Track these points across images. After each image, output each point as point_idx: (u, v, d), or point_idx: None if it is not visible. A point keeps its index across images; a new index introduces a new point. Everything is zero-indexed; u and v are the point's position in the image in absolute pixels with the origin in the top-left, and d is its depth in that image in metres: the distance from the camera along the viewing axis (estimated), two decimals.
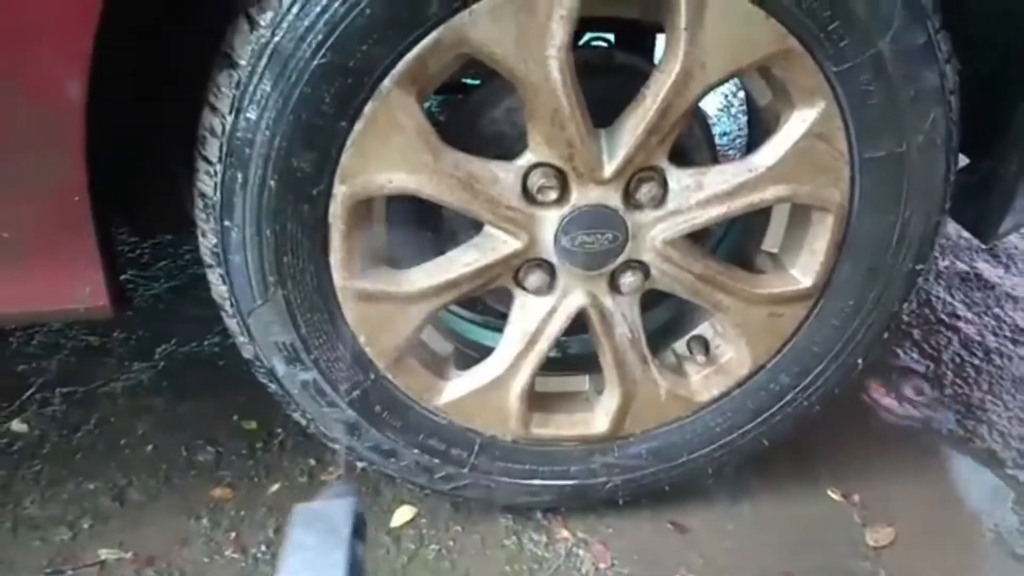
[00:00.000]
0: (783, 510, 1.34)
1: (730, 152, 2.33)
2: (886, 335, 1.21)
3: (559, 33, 0.92)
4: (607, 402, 1.22)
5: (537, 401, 1.22)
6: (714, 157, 1.19)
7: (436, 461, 1.21)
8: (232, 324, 1.08)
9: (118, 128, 1.05)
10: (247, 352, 1.10)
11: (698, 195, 1.07)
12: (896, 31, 0.96)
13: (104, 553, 1.25)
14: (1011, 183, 1.17)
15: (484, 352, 1.20)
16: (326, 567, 0.36)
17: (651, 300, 1.22)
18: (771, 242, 1.19)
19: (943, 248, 1.84)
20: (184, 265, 1.85)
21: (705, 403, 1.24)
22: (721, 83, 1.00)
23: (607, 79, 1.09)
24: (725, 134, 2.46)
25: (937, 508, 1.36)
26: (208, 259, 1.04)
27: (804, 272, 1.14)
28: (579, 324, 1.15)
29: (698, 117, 1.16)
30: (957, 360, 1.62)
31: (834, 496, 1.37)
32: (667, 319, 1.31)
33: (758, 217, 1.17)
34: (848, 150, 1.04)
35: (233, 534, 1.28)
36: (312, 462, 1.41)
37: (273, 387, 1.13)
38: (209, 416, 1.49)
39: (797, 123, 1.03)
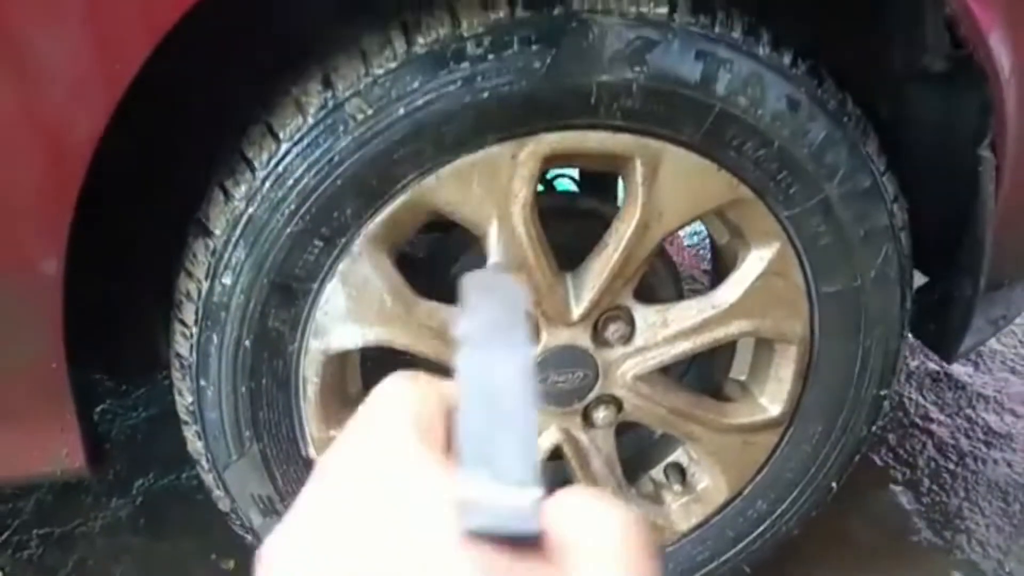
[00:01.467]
0: None
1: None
2: (858, 457, 1.22)
3: (521, 192, 0.96)
4: None
5: None
6: (680, 292, 1.23)
7: None
8: (208, 479, 1.08)
9: (94, 285, 1.08)
10: (223, 505, 1.10)
11: (665, 331, 1.10)
12: (841, 178, 1.01)
13: None
14: (968, 304, 1.21)
15: None
16: (509, 333, 0.31)
17: (626, 426, 1.23)
18: (739, 370, 1.22)
19: (913, 348, 1.87)
20: (162, 392, 1.84)
21: (685, 532, 1.24)
22: (679, 229, 1.05)
23: (572, 224, 1.14)
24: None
25: None
26: (184, 417, 1.05)
27: (772, 400, 1.17)
28: (557, 452, 1.16)
29: (662, 255, 1.21)
30: (932, 466, 1.63)
31: None
32: (643, 445, 1.33)
33: (725, 346, 1.20)
34: (805, 285, 1.08)
35: None
36: None
37: (250, 538, 1.13)
38: (187, 555, 1.47)
39: (755, 262, 1.07)
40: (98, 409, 1.79)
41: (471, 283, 0.33)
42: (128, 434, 1.75)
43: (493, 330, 0.30)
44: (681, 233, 2.50)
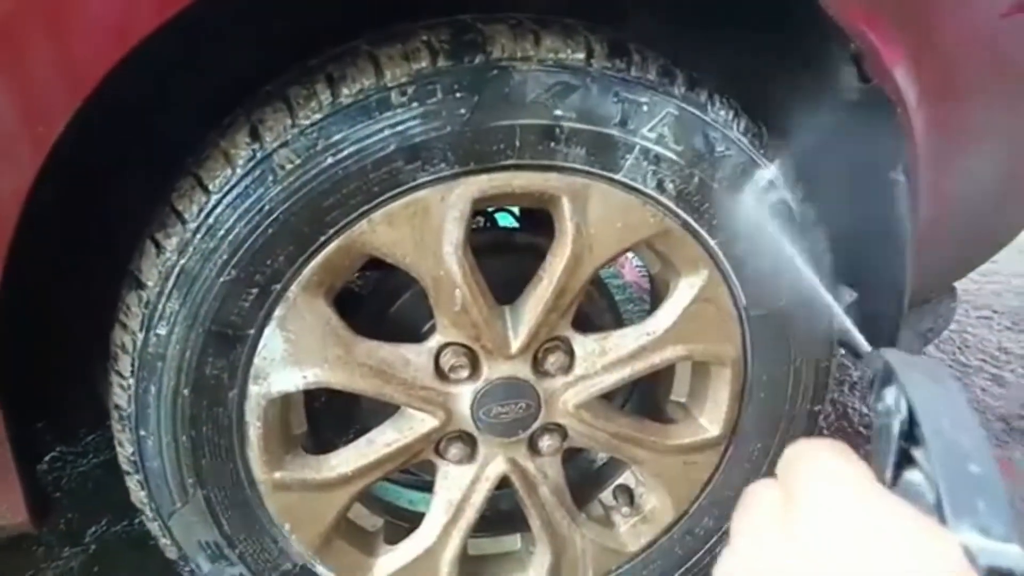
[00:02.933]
0: None
1: None
2: None
3: (454, 232, 0.98)
4: (540, 561, 1.23)
5: (470, 566, 1.23)
6: (618, 319, 1.26)
7: None
8: (154, 527, 1.08)
9: (27, 345, 1.07)
10: (171, 553, 1.10)
11: (603, 359, 1.12)
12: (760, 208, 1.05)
13: None
14: (894, 320, 1.25)
15: (416, 519, 1.21)
16: (956, 404, 0.36)
17: (574, 451, 1.25)
18: (679, 392, 1.25)
19: (854, 359, 1.92)
20: (112, 437, 1.82)
21: (635, 553, 1.26)
22: (610, 261, 1.08)
23: (509, 258, 1.16)
24: None
25: None
26: (126, 467, 1.05)
27: (711, 421, 1.20)
28: (506, 482, 1.18)
29: (598, 284, 1.24)
30: None
31: None
32: (591, 469, 1.35)
33: (665, 369, 1.22)
34: (735, 309, 1.11)
35: None
36: None
37: None
38: None
39: (685, 289, 1.10)
40: (48, 456, 1.77)
41: (894, 358, 0.37)
42: (79, 481, 1.73)
43: (946, 404, 0.34)
44: (635, 260, 2.54)
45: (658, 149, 0.98)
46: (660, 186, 1.00)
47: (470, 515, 1.17)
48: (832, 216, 1.13)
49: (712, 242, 1.05)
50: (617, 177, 0.99)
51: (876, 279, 1.25)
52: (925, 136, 1.06)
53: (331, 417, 1.28)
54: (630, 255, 2.58)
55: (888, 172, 1.09)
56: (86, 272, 1.07)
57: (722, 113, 1.00)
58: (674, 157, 0.98)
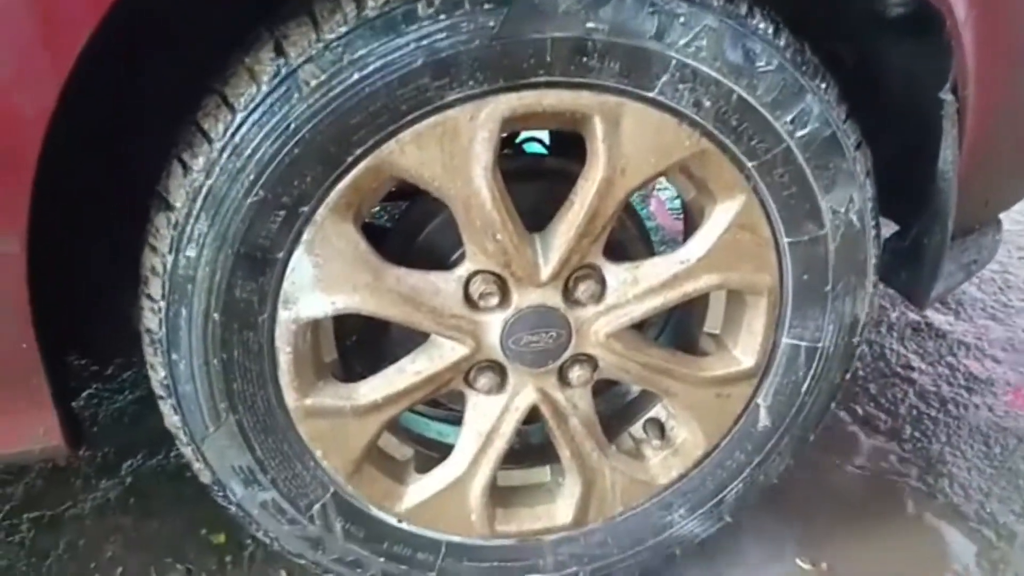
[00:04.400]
0: None
1: None
2: (833, 404, 1.23)
3: (483, 154, 0.96)
4: (569, 492, 1.23)
5: (500, 497, 1.23)
6: (650, 249, 1.23)
7: (403, 567, 1.22)
8: (187, 452, 1.09)
9: (62, 263, 1.08)
10: (204, 478, 1.11)
11: (635, 288, 1.10)
12: (802, 126, 1.01)
13: None
14: (938, 250, 1.21)
15: (445, 450, 1.21)
16: None
17: (604, 384, 1.24)
18: (712, 323, 1.23)
19: (893, 299, 1.88)
20: (147, 375, 1.85)
21: (665, 485, 1.25)
22: (643, 186, 1.05)
23: (539, 185, 1.13)
24: None
25: (906, 569, 1.37)
26: (159, 391, 1.05)
27: (745, 352, 1.17)
28: (536, 413, 1.17)
29: (630, 212, 1.21)
30: (915, 413, 1.65)
31: (803, 565, 1.38)
32: (621, 402, 1.34)
33: (698, 300, 1.20)
34: (772, 237, 1.08)
35: None
36: (283, 573, 1.40)
37: (233, 509, 1.14)
38: (178, 532, 1.49)
39: (720, 215, 1.07)
40: (84, 393, 1.81)
41: None
42: (115, 417, 1.77)
43: None
44: (663, 196, 2.50)
45: (695, 64, 0.94)
46: (697, 105, 0.96)
47: (500, 445, 1.17)
48: (875, 139, 1.09)
49: (749, 165, 1.02)
50: (652, 95, 0.96)
51: (919, 206, 1.22)
52: (974, 52, 1.01)
53: (361, 353, 1.28)
54: (663, 196, 2.54)
55: (935, 91, 1.05)
56: (115, 198, 1.06)
57: (763, 26, 0.96)
58: (712, 73, 0.95)
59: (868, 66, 1.16)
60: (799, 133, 1.01)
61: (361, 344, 1.27)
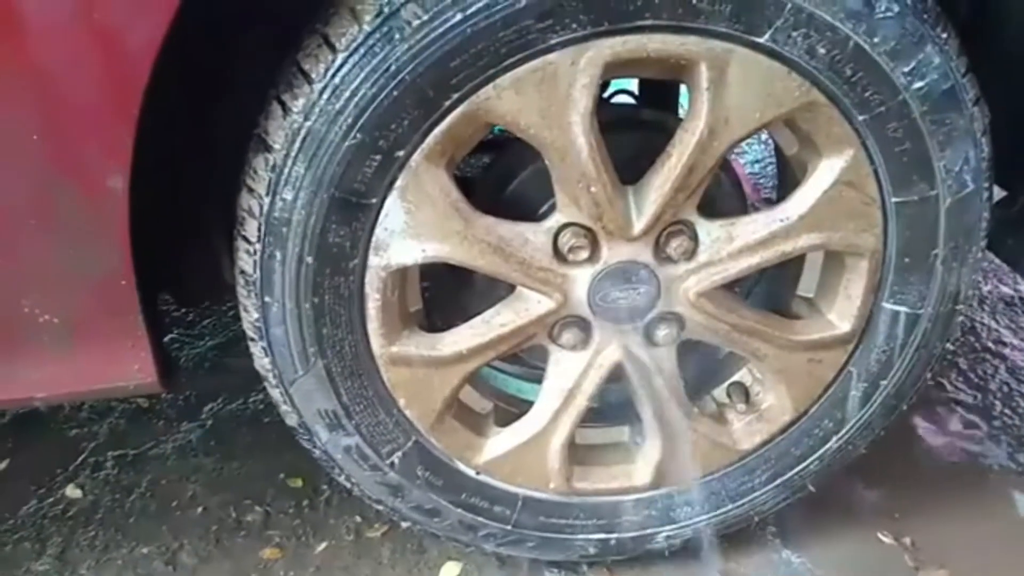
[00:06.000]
0: (833, 555, 1.32)
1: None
2: (929, 375, 1.19)
3: (582, 100, 0.93)
4: (648, 453, 1.21)
5: (578, 454, 1.22)
6: (744, 206, 1.19)
7: (479, 519, 1.22)
8: (275, 394, 1.10)
9: (160, 205, 1.09)
10: (290, 420, 1.12)
11: (729, 246, 1.07)
12: (920, 78, 0.95)
13: None
14: None
15: (524, 406, 1.21)
16: None
17: (689, 346, 1.22)
18: (806, 287, 1.19)
19: (985, 272, 1.80)
20: (228, 323, 1.89)
21: (748, 451, 1.23)
22: (746, 138, 1.01)
23: (634, 135, 1.10)
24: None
25: (991, 548, 1.32)
26: (251, 333, 1.06)
27: (841, 317, 1.13)
28: (618, 373, 1.15)
29: (726, 166, 1.17)
30: (1005, 389, 1.58)
31: (885, 539, 1.34)
32: (705, 365, 1.31)
33: (792, 262, 1.16)
34: (879, 196, 1.04)
35: None
36: (358, 519, 1.42)
37: (317, 452, 1.15)
38: (256, 475, 1.52)
39: (826, 172, 1.03)
40: (167, 339, 1.85)
41: None
42: (196, 362, 1.81)
43: None
44: (741, 161, 2.43)
45: (812, 9, 0.89)
46: (810, 52, 0.92)
47: (581, 403, 1.15)
48: (987, 96, 1.03)
49: (861, 118, 0.97)
50: (762, 41, 0.91)
51: None
52: None
53: (444, 307, 1.28)
54: (741, 161, 2.48)
55: None
56: (215, 137, 1.07)
57: None
58: (829, 18, 0.90)
59: (984, 17, 1.09)
60: (916, 85, 0.96)
61: (442, 296, 1.26)
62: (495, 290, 1.14)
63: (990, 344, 1.68)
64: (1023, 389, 1.59)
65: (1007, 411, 1.55)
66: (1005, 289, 1.80)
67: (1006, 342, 1.68)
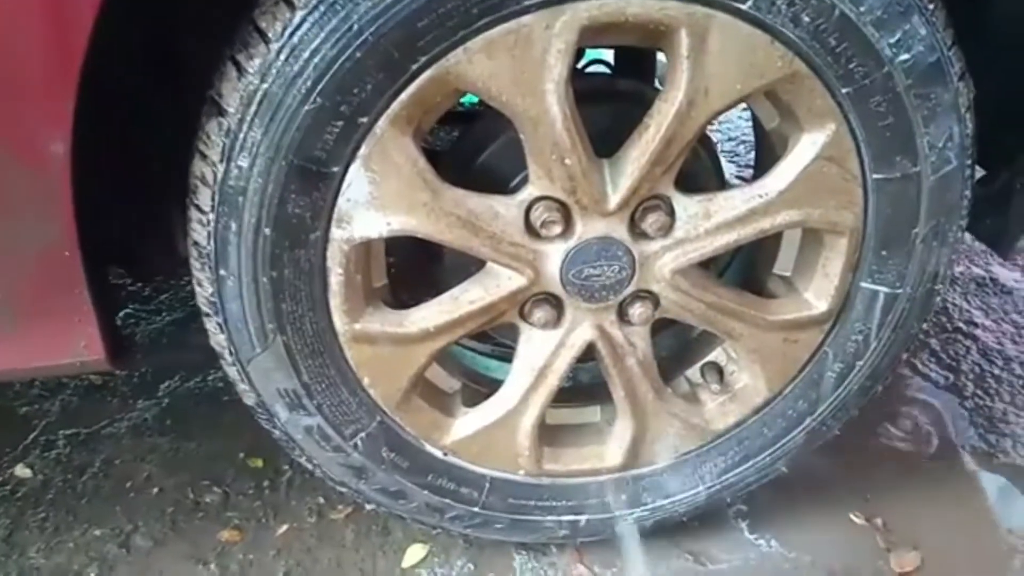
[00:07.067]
0: (805, 536, 1.31)
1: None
2: (904, 356, 1.17)
3: (557, 67, 0.89)
4: (620, 434, 1.19)
5: (548, 435, 1.19)
6: (722, 182, 1.16)
7: (446, 501, 1.18)
8: (232, 372, 1.05)
9: (108, 175, 1.03)
10: (248, 399, 1.07)
11: (706, 223, 1.04)
12: (906, 50, 0.92)
13: None
14: None
15: (493, 386, 1.17)
16: None
17: (662, 325, 1.19)
18: (783, 265, 1.16)
19: (958, 253, 1.80)
20: (185, 298, 1.82)
21: (721, 432, 1.20)
22: (727, 109, 0.97)
23: (609, 107, 1.06)
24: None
25: (963, 528, 1.32)
26: (205, 308, 1.01)
27: (818, 296, 1.11)
28: (590, 352, 1.12)
29: (704, 141, 1.13)
30: (977, 370, 1.58)
31: (857, 520, 1.33)
32: (679, 345, 1.28)
33: (769, 240, 1.13)
34: (861, 172, 1.01)
35: None
36: (321, 500, 1.38)
37: (276, 433, 1.10)
38: (215, 454, 1.47)
39: (807, 146, 1.00)
40: (122, 314, 1.78)
41: None
42: (153, 338, 1.74)
43: None
44: (715, 138, 2.40)
45: None
46: (795, 20, 0.88)
47: (552, 382, 1.12)
48: (975, 68, 1.00)
49: (844, 90, 0.94)
50: (745, 7, 0.88)
51: (1011, 149, 1.13)
52: None
53: (410, 283, 1.23)
54: (715, 138, 2.44)
55: None
56: (165, 103, 1.01)
57: None
58: None
59: None
60: (902, 57, 0.93)
61: (408, 271, 1.22)
62: (465, 266, 1.09)
63: (962, 325, 1.67)
64: (994, 370, 1.59)
65: (979, 392, 1.54)
66: (977, 270, 1.80)
67: (978, 323, 1.68)
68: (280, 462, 1.43)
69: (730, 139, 2.43)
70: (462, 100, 1.44)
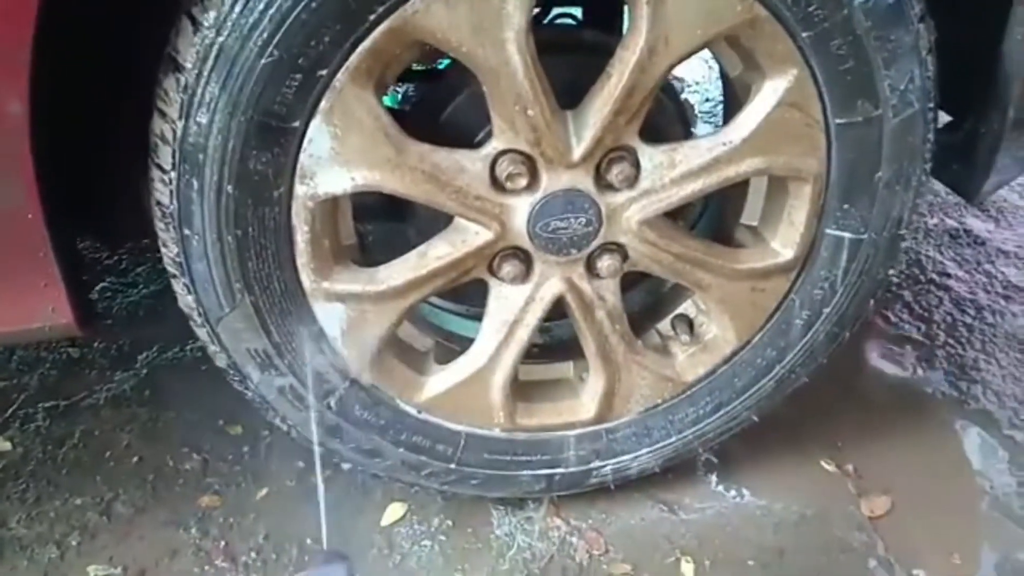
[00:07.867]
0: (777, 484, 1.33)
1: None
2: (872, 302, 1.18)
3: (516, 16, 0.88)
4: (592, 387, 1.20)
5: (521, 391, 1.20)
6: (688, 131, 1.16)
7: (422, 458, 1.19)
8: (202, 333, 1.05)
9: (72, 139, 1.02)
10: (220, 361, 1.08)
11: (672, 172, 1.04)
12: None
13: (93, 570, 1.23)
14: (994, 141, 1.14)
15: (465, 344, 1.18)
16: None
17: (632, 280, 1.19)
18: (750, 215, 1.17)
19: (931, 205, 1.81)
20: (162, 269, 1.81)
21: (692, 382, 1.22)
22: (688, 56, 0.97)
23: (574, 58, 1.06)
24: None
25: (933, 474, 1.34)
26: (171, 269, 1.01)
27: (784, 244, 1.12)
28: (561, 308, 1.13)
29: (668, 90, 1.13)
30: (949, 320, 1.60)
31: (828, 467, 1.35)
32: (650, 299, 1.29)
33: (736, 190, 1.14)
34: (823, 117, 1.01)
35: (223, 543, 1.27)
36: (300, 464, 1.39)
37: (250, 395, 1.11)
38: (194, 423, 1.47)
39: (769, 92, 1.00)
40: (98, 286, 1.78)
41: None
42: (130, 310, 1.74)
43: None
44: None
45: None
46: None
47: (523, 337, 1.13)
48: (937, 11, 1.00)
49: (804, 35, 0.94)
50: None
51: (977, 94, 1.14)
52: None
53: (380, 242, 1.23)
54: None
55: None
56: (127, 63, 1.00)
57: None
58: None
59: None
60: None
61: (383, 230, 1.22)
62: (437, 222, 1.09)
63: (934, 276, 1.69)
64: (966, 320, 1.60)
65: (950, 341, 1.56)
66: (950, 222, 1.81)
67: (950, 274, 1.70)
68: (259, 428, 1.44)
69: (707, 100, 2.42)
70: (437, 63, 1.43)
